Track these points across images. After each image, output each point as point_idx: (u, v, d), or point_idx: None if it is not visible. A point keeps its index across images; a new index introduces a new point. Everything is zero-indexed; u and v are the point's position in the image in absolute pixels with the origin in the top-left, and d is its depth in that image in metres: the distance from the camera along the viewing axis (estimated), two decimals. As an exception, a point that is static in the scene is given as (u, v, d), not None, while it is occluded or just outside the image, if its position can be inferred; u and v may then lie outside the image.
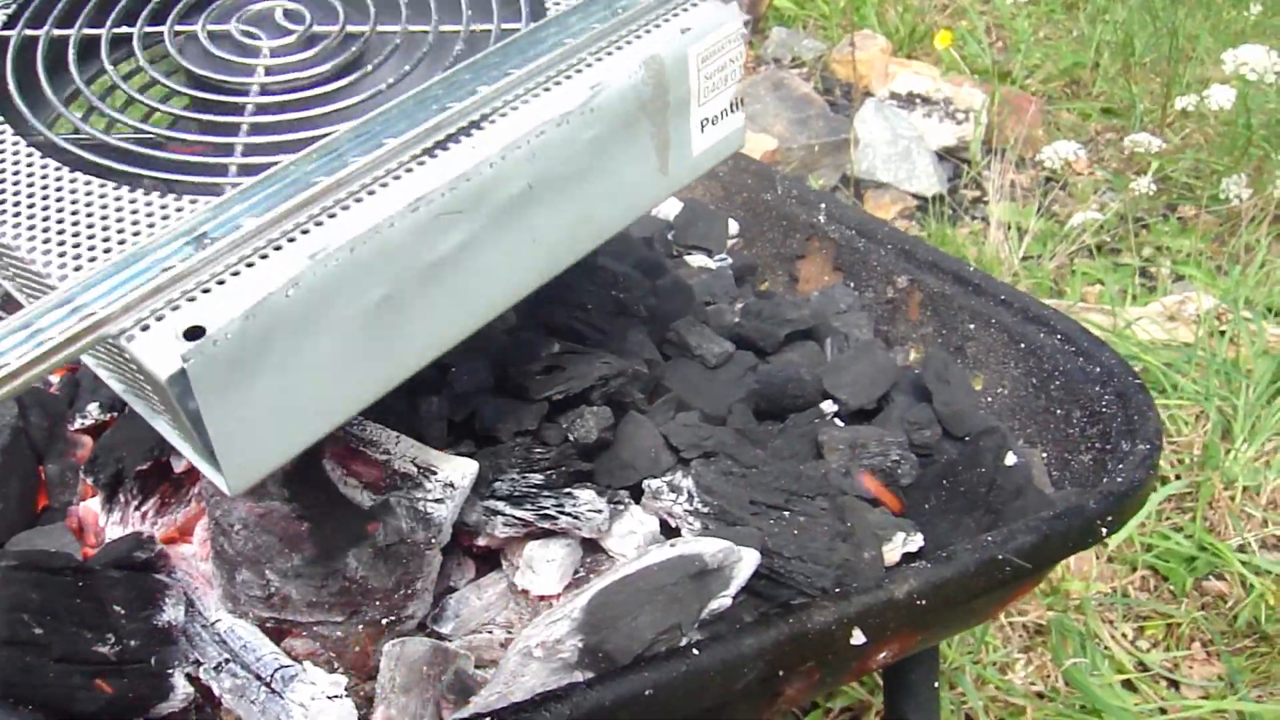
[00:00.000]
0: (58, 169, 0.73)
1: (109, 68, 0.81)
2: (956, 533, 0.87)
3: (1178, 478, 2.05)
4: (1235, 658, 1.82)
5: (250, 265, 0.64)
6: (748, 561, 0.73)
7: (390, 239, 0.66)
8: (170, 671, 0.74)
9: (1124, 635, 1.86)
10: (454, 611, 0.82)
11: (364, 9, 0.82)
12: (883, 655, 0.84)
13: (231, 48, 0.82)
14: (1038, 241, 2.64)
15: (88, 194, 0.71)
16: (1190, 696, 1.75)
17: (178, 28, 0.84)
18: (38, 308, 0.61)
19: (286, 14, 0.84)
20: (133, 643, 0.73)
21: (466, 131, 0.71)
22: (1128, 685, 1.76)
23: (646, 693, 0.67)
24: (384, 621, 0.77)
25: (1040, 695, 1.64)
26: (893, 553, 0.84)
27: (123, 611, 0.74)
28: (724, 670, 0.69)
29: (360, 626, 0.77)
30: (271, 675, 0.75)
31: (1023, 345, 1.07)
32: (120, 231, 0.68)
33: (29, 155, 0.74)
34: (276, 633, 0.79)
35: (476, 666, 0.78)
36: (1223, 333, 2.35)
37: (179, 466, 0.82)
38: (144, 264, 0.63)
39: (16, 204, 0.71)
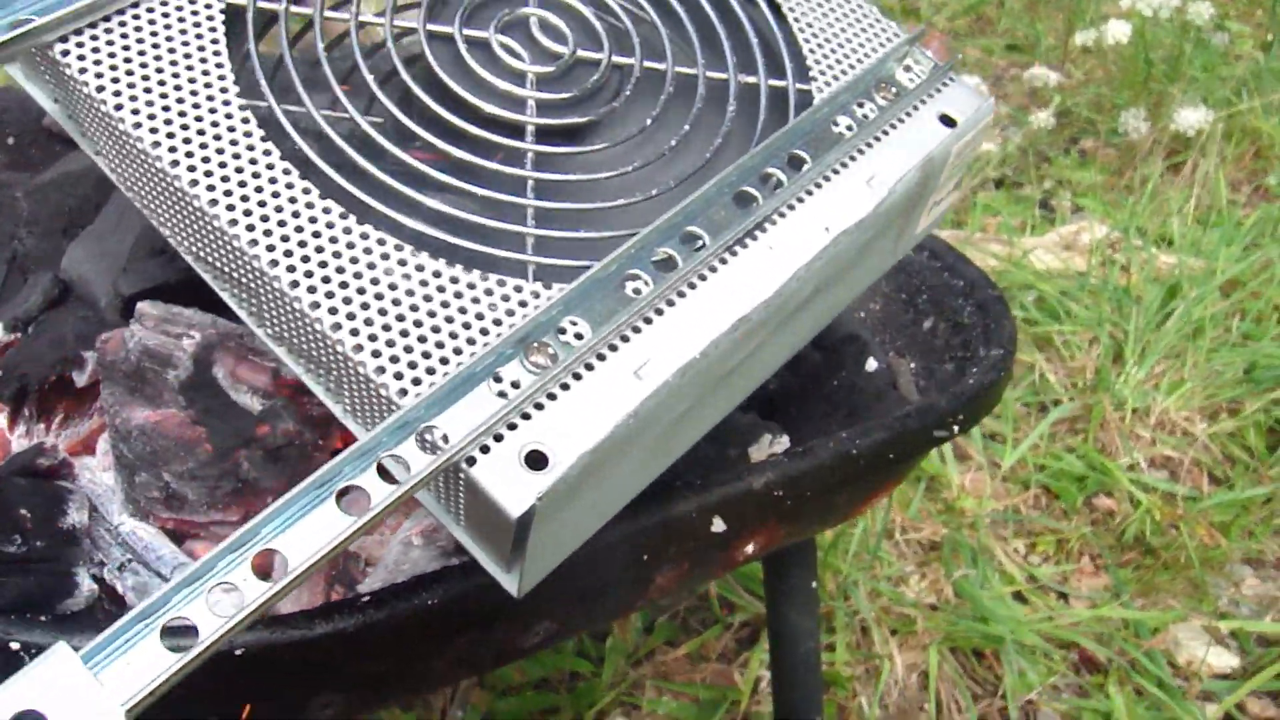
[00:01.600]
0: (343, 217, 0.69)
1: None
2: (821, 434, 0.93)
3: (1071, 400, 2.13)
4: (1121, 570, 1.91)
5: (578, 378, 0.64)
6: (614, 456, 0.78)
7: (712, 359, 0.68)
8: (75, 571, 0.79)
9: (1016, 551, 1.94)
10: (346, 513, 0.87)
11: (622, 32, 0.82)
12: (749, 548, 0.90)
13: (494, 67, 0.80)
14: (939, 174, 2.69)
15: (404, 270, 0.67)
16: (1078, 607, 1.84)
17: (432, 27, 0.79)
18: (383, 431, 0.60)
19: (542, 26, 0.82)
20: (39, 543, 0.77)
21: (762, 228, 0.73)
22: (1019, 598, 1.85)
23: (517, 574, 0.72)
24: (277, 521, 0.82)
25: (933, 608, 1.72)
26: (759, 453, 0.91)
27: (28, 515, 0.78)
28: (591, 555, 0.74)
29: (255, 526, 0.82)
30: (170, 572, 0.80)
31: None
32: (441, 326, 0.66)
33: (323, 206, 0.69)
34: (178, 537, 0.84)
35: (366, 565, 0.84)
36: (1116, 261, 2.43)
37: (81, 381, 0.87)
38: (479, 375, 0.62)
39: (324, 270, 0.67)
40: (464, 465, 0.61)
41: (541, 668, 1.62)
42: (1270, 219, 2.57)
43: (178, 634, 0.53)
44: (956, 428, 0.92)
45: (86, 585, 0.79)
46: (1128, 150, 2.85)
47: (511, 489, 0.60)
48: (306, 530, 0.57)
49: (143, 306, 0.82)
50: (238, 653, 0.65)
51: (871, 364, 1.00)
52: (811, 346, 1.03)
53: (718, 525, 0.80)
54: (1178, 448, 2.13)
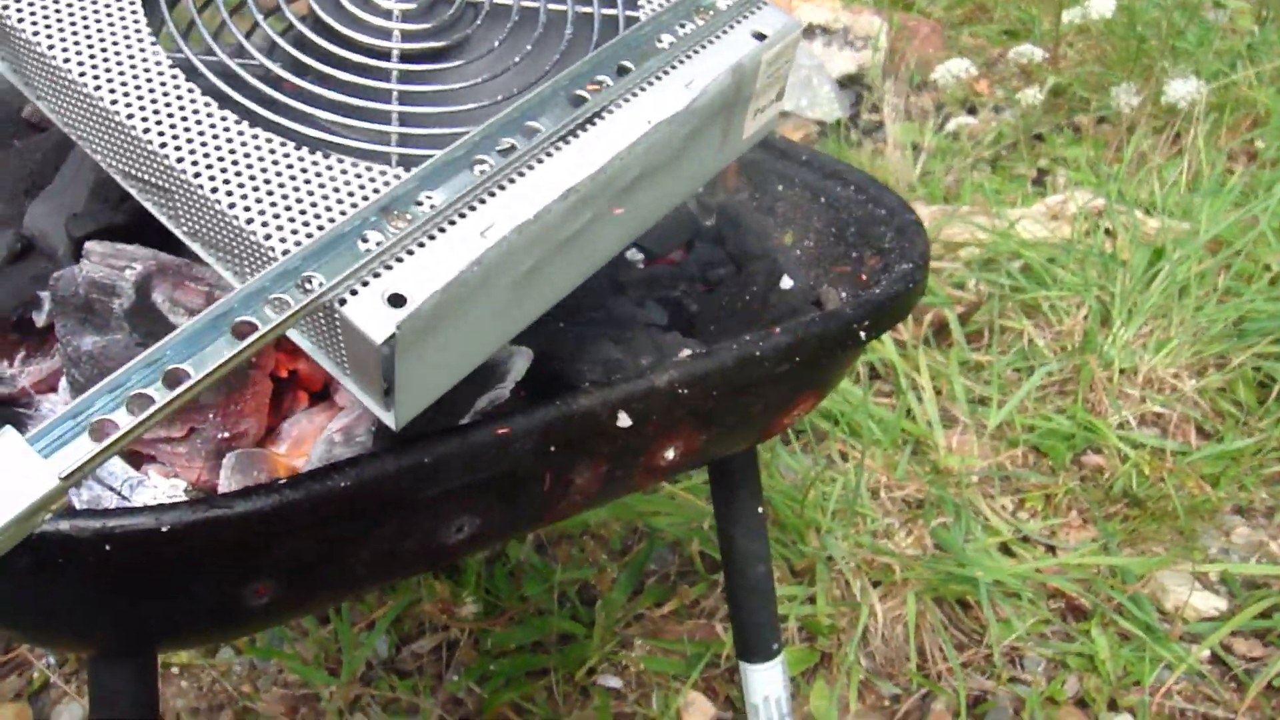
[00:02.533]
0: (237, 122, 0.82)
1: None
2: (738, 348, 0.99)
3: (1059, 363, 2.17)
4: (1109, 522, 1.95)
5: (432, 239, 0.76)
6: (521, 358, 0.84)
7: (546, 222, 0.80)
8: (33, 488, 0.85)
9: (1004, 508, 1.98)
10: (287, 434, 0.94)
11: None
12: (669, 453, 0.96)
13: (366, 7, 0.94)
14: (935, 158, 2.75)
15: (285, 159, 0.80)
16: (1062, 558, 1.88)
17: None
18: (266, 276, 0.72)
19: None
20: (-3, 462, 0.84)
21: (591, 121, 0.85)
22: (1006, 551, 1.89)
23: (425, 460, 0.78)
24: (220, 437, 0.89)
25: (914, 560, 1.77)
26: (678, 366, 0.96)
27: (-12, 436, 0.85)
28: (496, 444, 0.81)
29: (199, 443, 0.88)
30: (121, 485, 0.87)
31: (823, 199, 1.19)
32: (318, 201, 0.79)
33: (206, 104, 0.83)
34: (134, 461, 0.91)
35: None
36: (1103, 228, 2.47)
37: (40, 321, 0.94)
38: (349, 236, 0.75)
39: (222, 163, 0.80)
40: (336, 305, 0.73)
41: (534, 631, 1.68)
42: (1259, 182, 2.60)
43: (102, 431, 0.65)
44: (863, 334, 0.97)
45: (43, 501, 0.85)
46: (1120, 125, 2.89)
47: (375, 320, 0.72)
48: (207, 354, 0.69)
49: (90, 245, 0.89)
50: (164, 529, 0.72)
51: (787, 283, 1.06)
52: (734, 266, 1.08)
53: (623, 420, 0.85)
54: (1166, 404, 2.17)
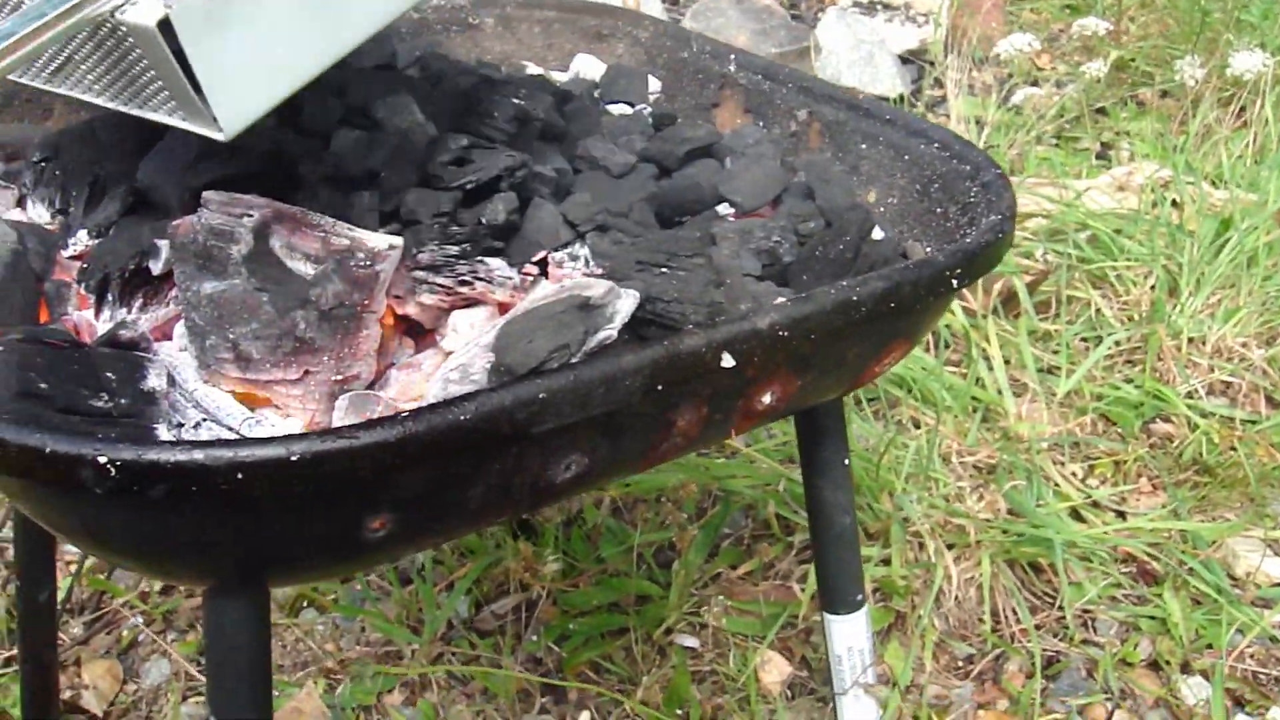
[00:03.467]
0: None
1: None
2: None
3: (1127, 331, 2.17)
4: (1179, 489, 1.95)
5: None
6: (628, 300, 0.87)
7: None
8: (155, 426, 0.88)
9: (1074, 474, 1.99)
10: (395, 380, 0.97)
11: None
12: (767, 397, 0.98)
13: None
14: (998, 132, 2.76)
15: None
16: (1134, 523, 1.88)
17: None
18: None
19: None
20: (124, 401, 0.87)
21: None
22: (1077, 516, 1.90)
23: (539, 396, 0.81)
24: (333, 379, 0.92)
25: (987, 523, 1.78)
26: (773, 314, 0.98)
27: (114, 378, 0.88)
28: (606, 380, 0.83)
29: (313, 385, 0.91)
30: (240, 424, 0.90)
31: (907, 157, 1.21)
32: None
33: None
34: (246, 404, 0.94)
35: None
36: (1170, 199, 2.47)
37: (157, 269, 0.97)
38: None
39: None
40: (115, 16, 0.79)
41: (612, 592, 1.71)
42: (1327, 153, 2.59)
43: None
44: (955, 282, 0.99)
45: (165, 438, 0.89)
46: (1184, 98, 2.88)
47: (145, 8, 0.78)
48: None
49: (208, 194, 0.92)
50: (293, 458, 0.75)
51: (878, 233, 1.08)
52: (828, 227, 1.10)
53: (727, 360, 0.88)
54: (1235, 373, 2.17)
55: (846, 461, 1.22)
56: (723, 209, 1.13)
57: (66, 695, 1.57)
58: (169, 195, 1.02)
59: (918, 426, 1.93)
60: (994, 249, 1.03)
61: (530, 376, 0.82)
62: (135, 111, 0.89)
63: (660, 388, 0.86)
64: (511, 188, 0.97)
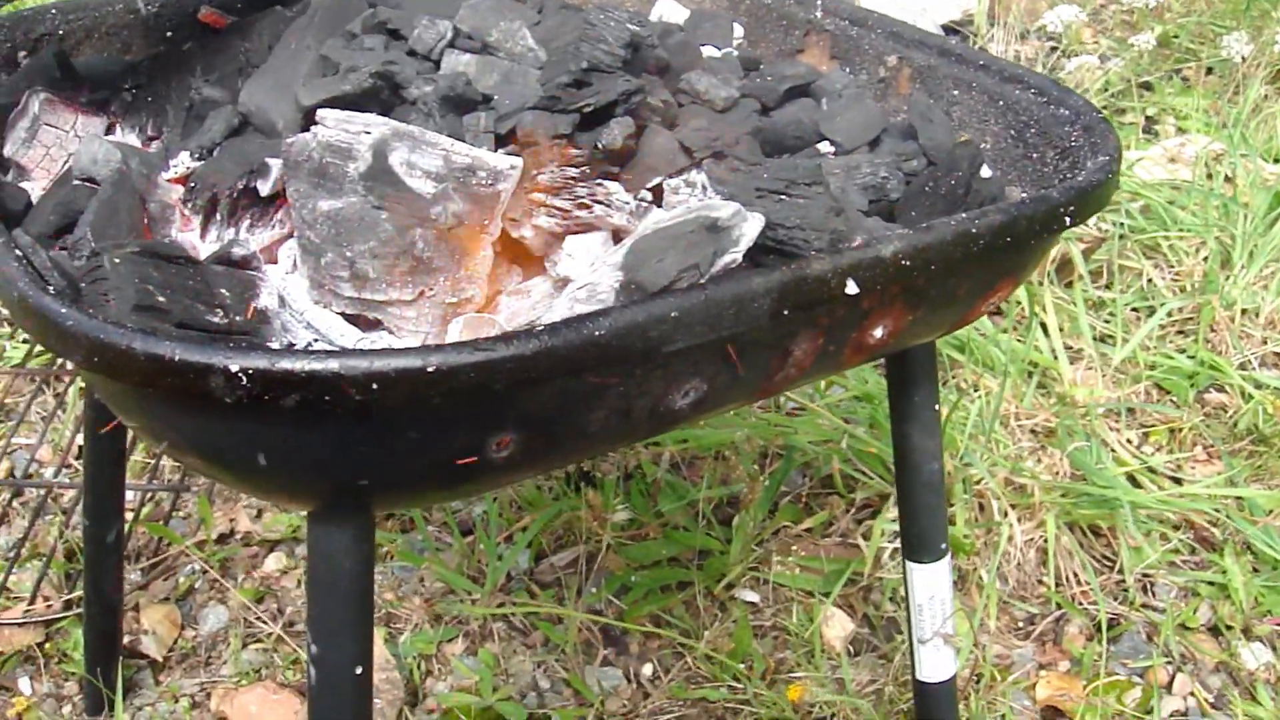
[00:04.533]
0: None
1: None
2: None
3: (1179, 302, 2.16)
4: (1234, 458, 1.94)
5: None
6: (754, 223, 0.85)
7: None
8: (269, 344, 0.88)
9: (1129, 440, 1.98)
10: (505, 307, 0.95)
11: None
12: (879, 330, 0.97)
13: None
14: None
15: None
16: (1192, 489, 1.87)
17: None
18: None
19: None
20: (238, 318, 0.86)
21: None
22: (1132, 481, 1.89)
23: (672, 314, 0.80)
24: (446, 301, 0.90)
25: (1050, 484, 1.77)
26: (884, 248, 0.97)
27: (228, 294, 0.87)
28: (736, 301, 0.82)
29: (427, 307, 0.90)
30: (354, 345, 0.89)
31: (1001, 103, 1.19)
32: None
33: None
34: (359, 325, 0.93)
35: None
36: (1221, 172, 2.45)
37: (265, 190, 0.96)
38: None
39: None
40: None
41: (673, 546, 1.70)
42: (1378, 129, 2.57)
43: None
44: (1068, 219, 0.98)
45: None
46: (1230, 74, 2.87)
47: None
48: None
49: (323, 111, 0.91)
50: (430, 369, 0.73)
51: (986, 171, 1.07)
52: (930, 166, 1.09)
53: (851, 287, 0.87)
54: (1288, 345, 2.15)
55: (937, 407, 1.21)
56: (822, 146, 1.11)
57: (126, 640, 1.57)
58: (274, 117, 1.01)
59: (976, 390, 1.92)
60: (1104, 188, 1.02)
61: (661, 294, 0.81)
62: None
63: (786, 312, 0.85)
64: (626, 113, 0.95)
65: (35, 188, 1.11)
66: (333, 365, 0.74)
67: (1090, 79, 2.81)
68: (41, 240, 0.96)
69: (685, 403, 0.89)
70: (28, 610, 1.61)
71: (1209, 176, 2.40)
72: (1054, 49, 3.00)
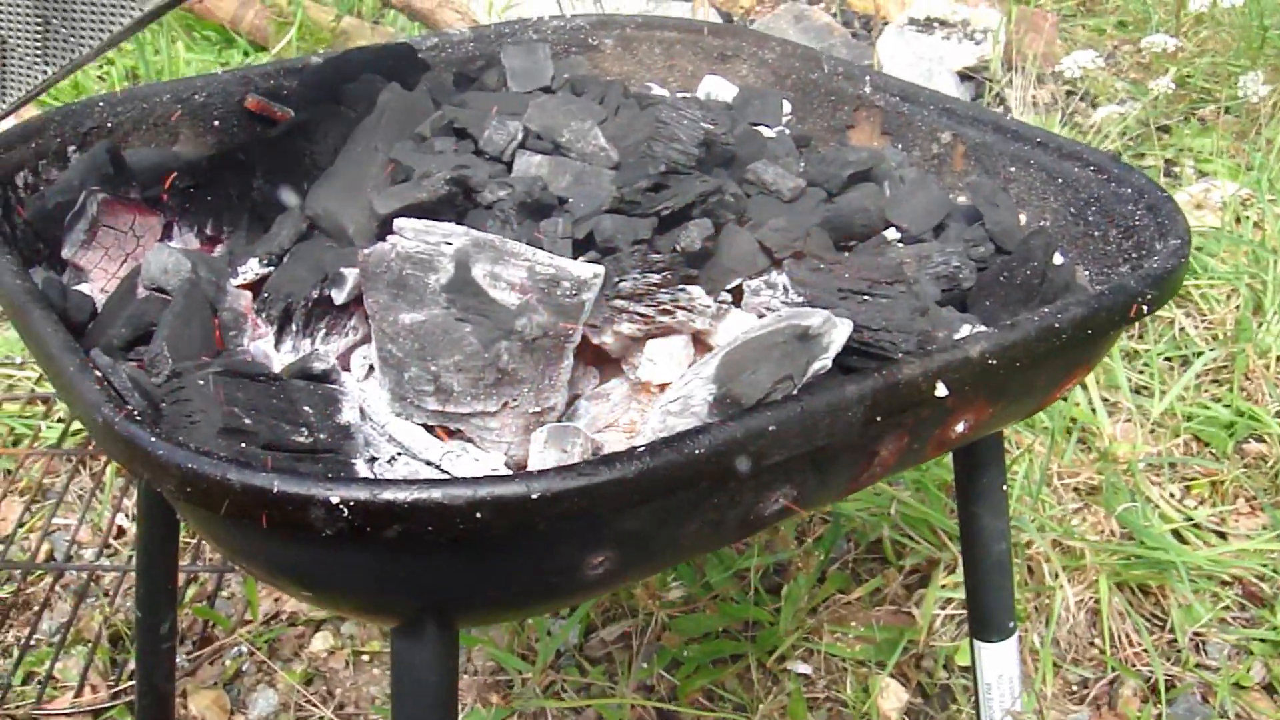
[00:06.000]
0: None
1: None
2: (1016, 322, 0.99)
3: (1213, 351, 2.16)
4: (1278, 509, 1.93)
5: None
6: (843, 329, 0.85)
7: None
8: (354, 461, 0.87)
9: (1171, 495, 1.97)
10: (585, 411, 0.95)
11: None
12: (961, 425, 0.96)
13: None
14: (1063, 149, 2.72)
15: None
16: (1238, 544, 1.86)
17: None
18: None
19: None
20: (322, 435, 0.86)
21: None
22: (1177, 537, 1.88)
23: (770, 429, 0.79)
24: (530, 411, 0.90)
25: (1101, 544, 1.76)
26: (961, 340, 0.97)
27: (311, 411, 0.86)
28: (831, 411, 0.81)
29: (510, 417, 0.90)
30: (440, 458, 0.88)
31: (1060, 180, 1.19)
32: None
33: None
34: (436, 437, 0.92)
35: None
36: (1248, 217, 2.45)
37: (340, 299, 0.95)
38: None
39: None
40: None
41: (724, 618, 1.69)
42: (1402, 170, 2.57)
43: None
44: (1145, 307, 0.97)
45: (365, 474, 0.87)
46: (1249, 114, 2.87)
47: None
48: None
49: (401, 221, 0.90)
50: (534, 496, 0.73)
51: (1058, 258, 1.06)
52: (999, 252, 1.09)
53: (941, 390, 0.86)
54: (1325, 392, 2.15)
55: (1005, 487, 1.20)
56: (889, 233, 1.11)
57: (175, 727, 1.55)
58: (345, 222, 1.00)
59: (1017, 447, 1.91)
60: (1178, 273, 1.01)
61: (757, 408, 0.80)
62: (111, 35, 0.87)
63: (878, 419, 0.84)
64: (703, 213, 0.95)
65: (94, 289, 1.11)
66: (436, 495, 0.73)
67: (1110, 122, 2.81)
68: (115, 353, 0.96)
69: (774, 509, 0.88)
70: (75, 701, 1.60)
71: (1237, 221, 2.40)
72: (1070, 93, 3.00)
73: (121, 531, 1.87)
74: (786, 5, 3.20)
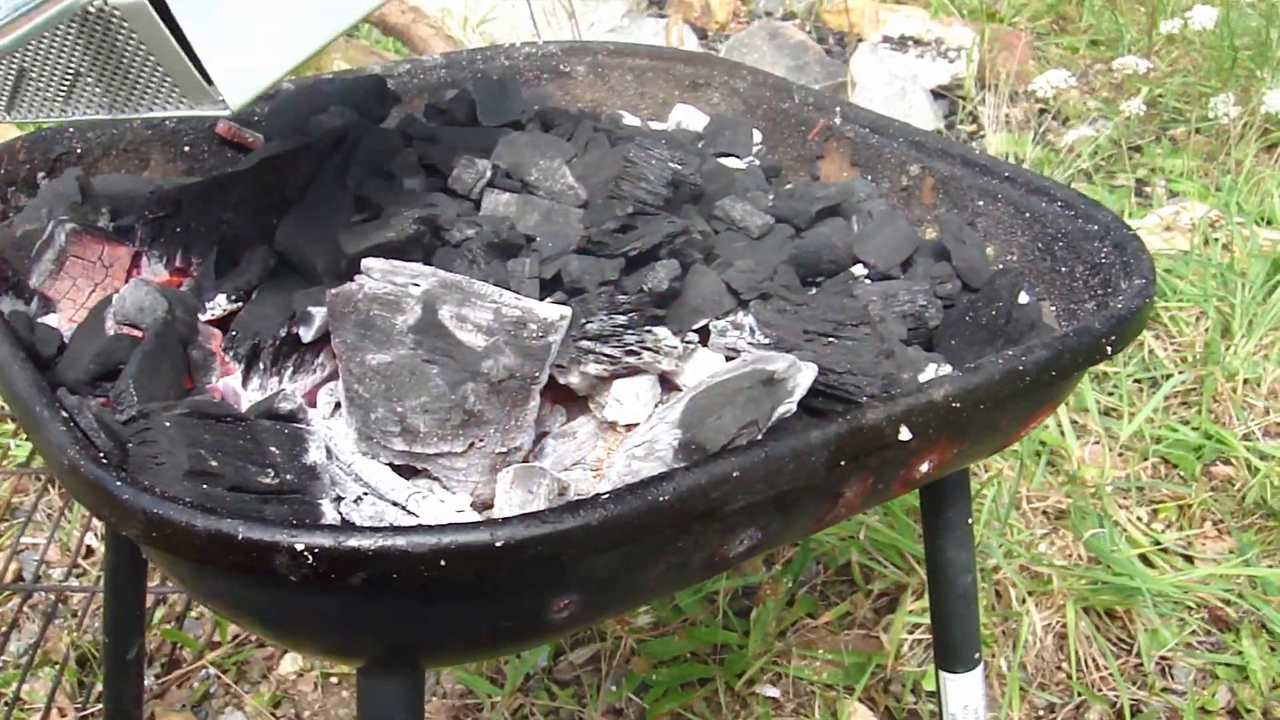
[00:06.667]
0: None
1: None
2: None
3: (1181, 374, 2.17)
4: (1244, 533, 1.95)
5: None
6: (807, 373, 0.85)
7: None
8: (320, 502, 0.87)
9: (1139, 519, 1.98)
10: (551, 450, 0.95)
11: None
12: (925, 466, 0.97)
13: None
14: (1035, 168, 2.75)
15: None
16: (1204, 568, 1.88)
17: None
18: None
19: None
20: (289, 476, 0.86)
21: None
22: (1145, 561, 1.89)
23: (734, 474, 0.79)
24: (496, 451, 0.90)
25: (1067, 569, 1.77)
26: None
27: (277, 452, 0.87)
28: (795, 456, 0.82)
29: (476, 457, 0.90)
30: (406, 499, 0.88)
31: (1027, 215, 1.20)
32: None
33: None
34: (405, 475, 0.92)
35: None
36: (1217, 239, 2.47)
37: (307, 337, 0.95)
38: None
39: None
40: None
41: (692, 642, 1.69)
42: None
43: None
44: (1110, 349, 0.98)
45: (330, 514, 0.87)
46: (1219, 135, 2.89)
47: None
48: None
49: (369, 261, 0.90)
50: (498, 544, 0.73)
51: (1024, 297, 1.07)
52: (965, 290, 1.09)
53: (904, 434, 0.86)
54: (1292, 416, 2.16)
55: (970, 521, 1.20)
56: (857, 269, 1.12)
57: (143, 751, 1.55)
58: (313, 259, 1.00)
59: (986, 470, 1.92)
60: (1143, 313, 1.02)
61: (721, 454, 0.81)
62: (139, 114, 0.87)
63: (843, 462, 0.85)
64: (670, 254, 0.95)
65: (62, 319, 1.11)
66: (400, 543, 0.73)
67: (1082, 142, 2.83)
68: (82, 388, 0.96)
69: (739, 550, 0.89)
70: (42, 723, 1.59)
71: (1205, 243, 2.42)
72: (1043, 112, 3.02)
73: (90, 551, 1.87)
74: (761, 22, 3.20)
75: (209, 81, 0.79)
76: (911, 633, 1.68)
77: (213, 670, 1.68)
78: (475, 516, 0.89)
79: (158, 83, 0.83)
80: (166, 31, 0.78)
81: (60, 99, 0.88)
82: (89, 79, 0.86)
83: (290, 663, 1.71)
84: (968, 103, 3.06)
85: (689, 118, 1.41)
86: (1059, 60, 3.30)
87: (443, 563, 0.73)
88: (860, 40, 3.20)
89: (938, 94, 3.11)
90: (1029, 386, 0.94)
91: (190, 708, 1.65)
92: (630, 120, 1.42)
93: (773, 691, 1.67)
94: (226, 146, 1.37)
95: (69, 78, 0.86)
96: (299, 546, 0.73)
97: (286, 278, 1.02)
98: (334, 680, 1.69)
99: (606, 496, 0.76)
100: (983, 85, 3.03)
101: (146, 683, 1.66)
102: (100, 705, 1.56)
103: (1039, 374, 0.94)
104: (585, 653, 1.71)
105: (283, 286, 1.00)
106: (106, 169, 1.32)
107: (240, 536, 0.73)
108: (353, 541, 0.73)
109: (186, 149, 1.36)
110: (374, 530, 0.74)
